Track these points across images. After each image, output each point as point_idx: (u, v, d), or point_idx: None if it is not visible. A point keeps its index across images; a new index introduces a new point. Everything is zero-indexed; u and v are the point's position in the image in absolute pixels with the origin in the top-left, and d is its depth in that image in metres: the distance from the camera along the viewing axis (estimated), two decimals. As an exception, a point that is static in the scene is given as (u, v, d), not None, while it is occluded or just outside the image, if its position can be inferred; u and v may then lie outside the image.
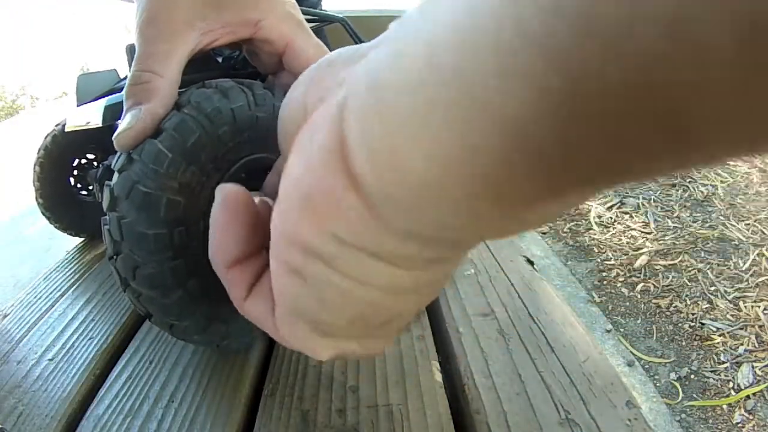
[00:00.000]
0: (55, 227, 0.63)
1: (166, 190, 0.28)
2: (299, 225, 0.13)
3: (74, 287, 0.53)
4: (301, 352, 0.19)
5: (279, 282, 0.16)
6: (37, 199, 0.61)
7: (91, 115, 0.44)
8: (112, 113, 0.41)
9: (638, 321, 1.57)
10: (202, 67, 0.41)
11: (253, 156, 0.35)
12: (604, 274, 1.80)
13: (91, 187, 0.66)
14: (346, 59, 0.16)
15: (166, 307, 0.30)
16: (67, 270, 0.58)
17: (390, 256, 0.13)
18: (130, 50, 0.38)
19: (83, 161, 0.65)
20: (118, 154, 0.29)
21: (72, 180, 0.64)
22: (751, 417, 1.20)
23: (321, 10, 0.86)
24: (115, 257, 0.29)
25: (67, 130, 0.50)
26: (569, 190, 0.11)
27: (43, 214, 0.62)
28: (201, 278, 0.31)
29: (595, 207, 2.18)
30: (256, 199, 0.21)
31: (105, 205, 0.28)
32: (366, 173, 0.11)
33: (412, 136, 0.10)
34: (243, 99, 0.32)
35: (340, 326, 0.16)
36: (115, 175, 0.28)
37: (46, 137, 0.59)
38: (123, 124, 0.28)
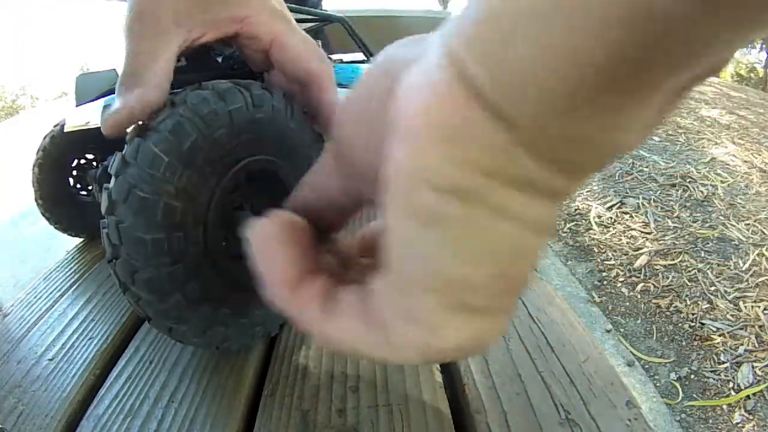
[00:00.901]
0: (55, 228, 0.63)
1: (162, 195, 0.28)
2: (433, 159, 0.12)
3: (74, 287, 0.53)
4: (420, 347, 0.15)
5: (400, 240, 0.14)
6: (36, 200, 0.61)
7: (91, 115, 0.44)
8: None
9: (638, 321, 1.57)
10: (200, 66, 0.41)
11: (253, 158, 0.34)
12: (604, 274, 1.80)
13: (90, 188, 0.66)
14: (410, 42, 0.16)
15: (164, 311, 0.30)
16: (67, 270, 0.58)
17: (533, 184, 0.13)
18: None
19: (82, 161, 0.65)
20: (114, 156, 0.29)
21: (71, 180, 0.64)
22: (751, 417, 1.20)
23: (321, 9, 0.86)
24: (114, 261, 0.29)
25: (66, 130, 0.50)
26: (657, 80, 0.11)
27: (43, 215, 0.62)
28: (199, 282, 0.31)
29: (595, 207, 2.19)
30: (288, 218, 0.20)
31: (103, 208, 0.28)
32: (492, 90, 0.12)
33: (524, 43, 0.11)
34: (241, 100, 0.31)
35: (480, 284, 0.14)
36: (112, 179, 0.28)
37: (44, 138, 0.59)
38: (112, 107, 0.28)
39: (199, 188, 0.30)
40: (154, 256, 0.28)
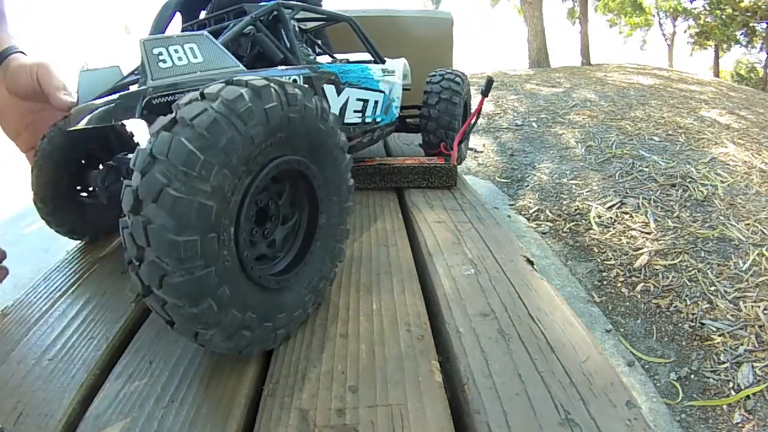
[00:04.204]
0: (57, 231, 0.63)
1: (197, 194, 0.26)
2: None
3: (74, 287, 0.53)
4: None
5: None
6: (36, 203, 0.60)
7: (94, 114, 0.43)
8: (124, 110, 0.40)
9: (638, 321, 1.57)
10: (236, 51, 0.42)
11: (284, 158, 0.34)
12: (604, 274, 1.80)
13: (91, 189, 0.66)
14: None
15: (194, 316, 0.29)
16: (67, 270, 0.58)
17: None
18: (144, 44, 0.38)
19: (83, 162, 0.65)
20: (136, 151, 0.28)
21: (72, 182, 0.64)
22: (751, 417, 1.20)
23: (328, 9, 0.86)
24: (137, 263, 0.28)
25: (69, 129, 0.50)
26: None
27: (44, 219, 0.62)
28: (230, 286, 0.30)
29: (595, 207, 2.18)
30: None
31: (126, 207, 0.27)
32: None
33: None
34: (276, 98, 0.30)
35: None
36: (136, 176, 0.27)
37: (43, 138, 0.59)
38: None
39: (234, 188, 0.29)
40: (187, 259, 0.27)
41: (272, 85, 0.31)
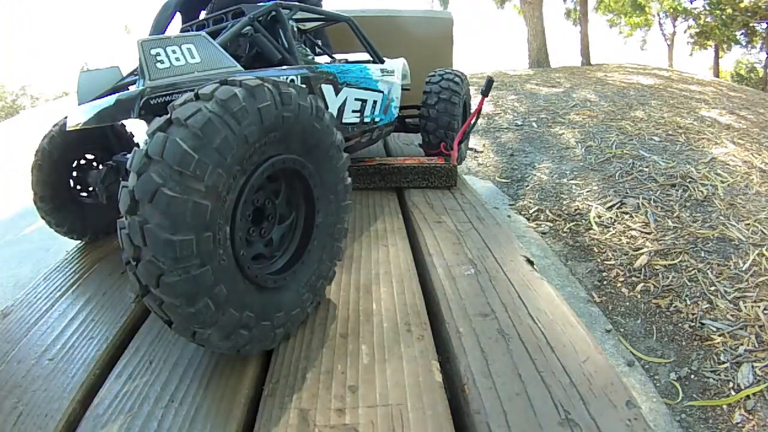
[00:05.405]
0: (56, 231, 0.63)
1: (192, 194, 0.27)
2: None
3: (74, 287, 0.53)
4: None
5: None
6: (36, 203, 0.60)
7: (93, 114, 0.44)
8: (123, 111, 0.40)
9: (638, 321, 1.57)
10: (234, 51, 0.41)
11: (279, 156, 0.34)
12: (604, 274, 1.80)
13: (91, 189, 0.66)
14: None
15: (191, 315, 0.29)
16: (67, 270, 0.58)
17: None
18: (141, 45, 0.38)
19: (83, 162, 0.65)
20: (133, 152, 0.28)
21: (71, 182, 0.64)
22: (751, 417, 1.20)
23: (327, 10, 0.86)
24: (134, 263, 0.28)
25: (68, 129, 0.50)
26: None
27: (44, 219, 0.62)
28: (227, 285, 0.30)
29: (595, 207, 2.18)
30: None
31: (123, 207, 0.27)
32: None
33: None
34: (269, 98, 0.31)
35: None
36: (133, 177, 0.27)
37: (43, 139, 0.59)
38: None
39: (229, 187, 0.29)
40: (183, 258, 0.27)
41: (266, 84, 0.31)
